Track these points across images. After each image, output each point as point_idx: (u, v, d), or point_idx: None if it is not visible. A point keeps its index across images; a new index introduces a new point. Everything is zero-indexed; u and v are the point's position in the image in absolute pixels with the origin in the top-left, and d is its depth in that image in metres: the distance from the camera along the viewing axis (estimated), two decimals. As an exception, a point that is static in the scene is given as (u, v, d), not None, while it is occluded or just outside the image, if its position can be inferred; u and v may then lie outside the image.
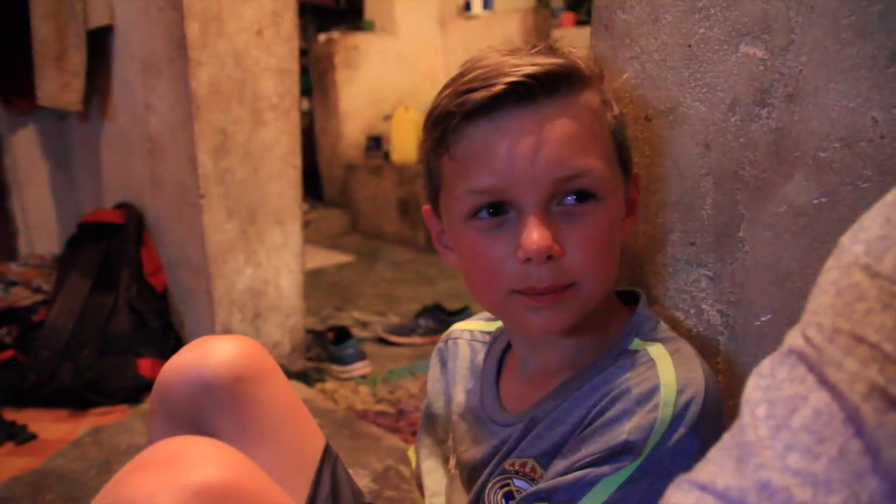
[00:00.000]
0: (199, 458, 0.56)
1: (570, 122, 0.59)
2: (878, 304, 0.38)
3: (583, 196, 0.60)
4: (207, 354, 0.81)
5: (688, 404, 0.56)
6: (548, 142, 0.58)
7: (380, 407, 1.90)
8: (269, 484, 0.60)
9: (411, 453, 0.93)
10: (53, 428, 1.76)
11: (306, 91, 4.68)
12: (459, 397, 0.78)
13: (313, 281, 3.22)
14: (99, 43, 2.24)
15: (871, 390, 0.37)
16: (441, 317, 2.44)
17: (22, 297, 2.20)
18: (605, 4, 0.83)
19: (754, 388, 0.42)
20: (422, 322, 2.45)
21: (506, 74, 0.58)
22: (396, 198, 4.00)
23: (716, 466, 0.42)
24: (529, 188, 0.59)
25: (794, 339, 0.42)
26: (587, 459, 0.57)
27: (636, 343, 0.64)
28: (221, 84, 1.87)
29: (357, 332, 2.42)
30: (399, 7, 4.43)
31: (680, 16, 0.74)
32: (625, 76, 0.79)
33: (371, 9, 4.62)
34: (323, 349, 2.19)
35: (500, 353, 0.77)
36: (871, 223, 0.41)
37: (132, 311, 1.98)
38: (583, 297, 0.62)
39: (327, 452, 0.86)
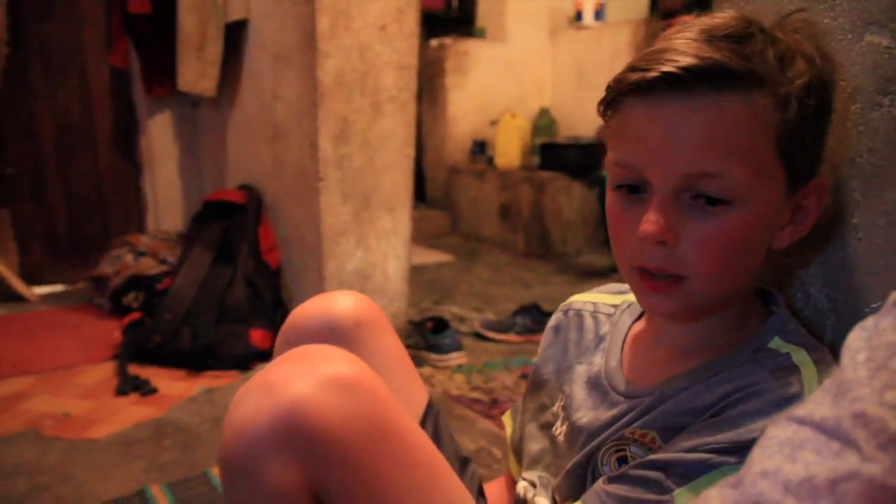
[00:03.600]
0: (332, 357, 0.65)
1: (717, 121, 0.58)
2: None
3: (710, 198, 0.60)
4: (333, 303, 0.89)
5: None
6: (688, 136, 0.59)
7: (474, 394, 1.94)
8: (387, 390, 0.66)
9: (506, 418, 0.96)
10: (172, 385, 1.89)
11: (418, 96, 4.80)
12: (581, 367, 0.80)
13: (413, 276, 3.28)
14: (234, 35, 2.41)
15: None
16: (538, 316, 2.46)
17: (149, 266, 2.38)
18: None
19: (856, 338, 0.45)
20: (518, 320, 2.47)
21: (666, 62, 0.58)
22: (498, 202, 4.05)
23: (814, 404, 0.44)
24: (661, 175, 0.61)
25: None
26: (713, 445, 0.57)
27: (777, 342, 0.64)
28: (345, 75, 1.97)
29: (454, 325, 2.47)
30: (510, 16, 4.48)
31: (805, 6, 0.75)
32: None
33: (483, 16, 4.70)
34: (422, 337, 2.26)
35: (627, 327, 0.79)
36: None
37: (248, 284, 2.11)
38: (692, 293, 0.63)
39: (430, 405, 0.91)
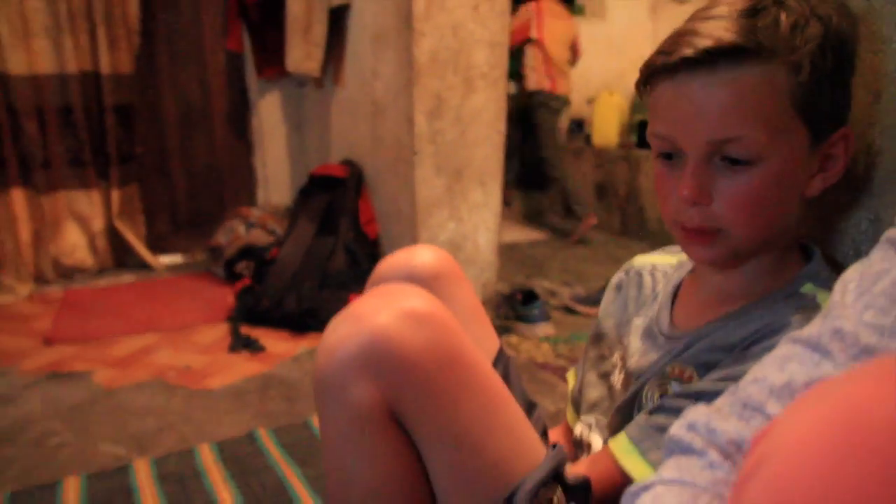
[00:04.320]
0: (410, 293, 0.74)
1: (735, 92, 0.65)
2: None
3: (734, 160, 0.67)
4: (415, 254, 0.99)
5: None
6: (711, 108, 0.66)
7: (559, 362, 2.00)
8: (457, 324, 0.75)
9: (570, 374, 1.03)
10: (278, 344, 2.05)
11: (514, 74, 4.84)
12: (639, 320, 0.87)
13: (508, 253, 3.38)
14: (338, 19, 2.54)
15: None
16: (628, 290, 2.48)
17: (259, 237, 2.56)
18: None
19: (852, 271, 0.51)
20: (608, 294, 2.51)
21: (686, 45, 0.66)
22: (594, 181, 4.05)
23: (809, 326, 0.50)
24: (691, 143, 0.68)
25: (891, 231, 0.49)
26: (737, 376, 0.62)
27: (809, 287, 0.69)
28: (439, 53, 2.06)
29: (545, 299, 2.53)
30: (611, -8, 4.46)
31: None
32: None
33: (584, -6, 4.68)
34: (511, 308, 2.33)
35: (678, 280, 0.85)
36: None
37: (348, 252, 2.25)
38: (730, 242, 0.70)
39: (501, 352, 1.00)
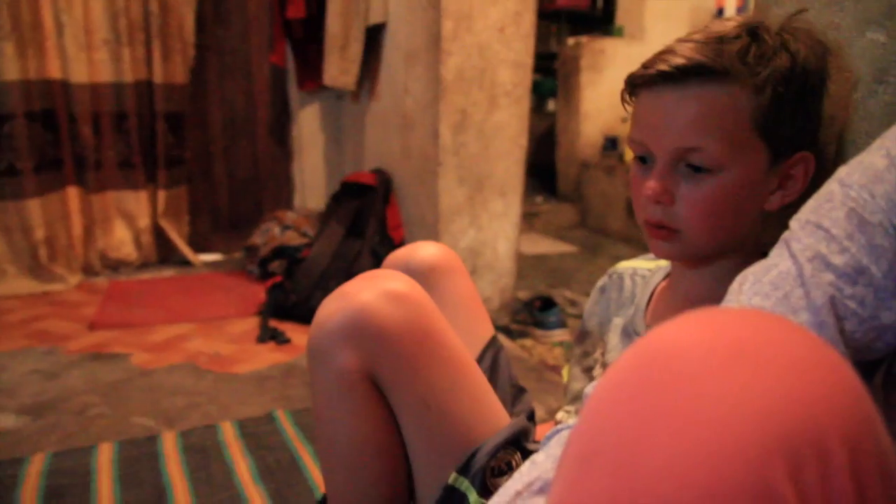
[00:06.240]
0: (393, 277, 0.86)
1: (700, 107, 0.72)
2: (838, 204, 0.54)
3: (696, 168, 0.75)
4: (415, 250, 1.10)
5: None
6: (678, 119, 0.74)
7: (569, 366, 2.09)
8: (432, 304, 0.86)
9: (565, 369, 1.13)
10: (303, 337, 2.18)
11: (554, 93, 4.95)
12: (618, 320, 0.96)
13: (536, 263, 3.48)
14: (374, 37, 2.69)
15: (815, 256, 0.54)
16: (644, 302, 2.55)
17: (293, 238, 2.71)
18: (763, 0, 0.97)
19: (755, 265, 0.61)
20: (625, 305, 2.58)
21: (663, 62, 0.74)
22: (625, 197, 4.12)
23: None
24: (660, 149, 0.76)
25: (786, 233, 0.60)
26: None
27: None
28: (465, 72, 2.18)
29: (565, 308, 2.62)
30: (649, 13, 4.53)
31: (820, 7, 0.87)
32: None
33: (622, 15, 4.76)
34: (529, 314, 2.43)
35: (654, 284, 0.94)
36: (863, 155, 0.57)
37: (374, 255, 2.38)
38: (685, 243, 0.78)
39: (493, 340, 1.10)
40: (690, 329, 0.38)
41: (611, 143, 4.43)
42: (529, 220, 4.26)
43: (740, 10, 4.30)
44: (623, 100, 0.82)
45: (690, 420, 0.33)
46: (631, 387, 0.36)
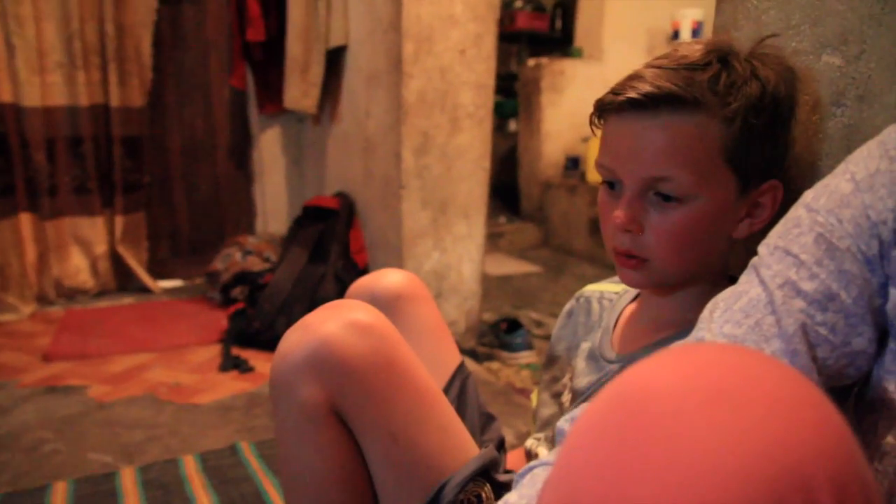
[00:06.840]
0: (356, 307, 0.85)
1: (669, 136, 0.71)
2: (806, 229, 0.54)
3: (666, 196, 0.74)
4: (380, 278, 1.09)
5: None
6: (648, 147, 0.73)
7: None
8: (396, 334, 0.84)
9: (534, 394, 1.12)
10: (267, 365, 2.14)
11: (515, 113, 4.99)
12: (585, 344, 0.95)
13: (500, 285, 3.48)
14: (335, 60, 2.68)
15: (785, 283, 0.53)
16: (609, 321, 2.56)
17: (255, 263, 2.67)
18: (722, 24, 0.98)
19: (725, 292, 0.60)
20: (590, 325, 2.58)
21: (633, 88, 0.73)
22: (588, 217, 4.15)
23: (684, 339, 0.60)
24: (628, 177, 0.75)
25: (755, 258, 0.59)
26: None
27: None
28: (427, 94, 2.18)
29: (531, 329, 2.61)
30: (607, 35, 4.60)
31: (780, 31, 0.88)
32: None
33: (581, 36, 4.83)
34: (495, 336, 2.42)
35: (621, 307, 0.93)
36: (828, 178, 0.57)
37: (337, 280, 2.35)
38: (654, 271, 0.77)
39: (461, 367, 1.09)
40: (667, 368, 0.37)
41: (572, 163, 4.47)
42: (493, 240, 4.27)
43: (696, 32, 4.39)
44: (592, 123, 0.81)
45: (669, 468, 0.32)
46: (606, 433, 0.35)
